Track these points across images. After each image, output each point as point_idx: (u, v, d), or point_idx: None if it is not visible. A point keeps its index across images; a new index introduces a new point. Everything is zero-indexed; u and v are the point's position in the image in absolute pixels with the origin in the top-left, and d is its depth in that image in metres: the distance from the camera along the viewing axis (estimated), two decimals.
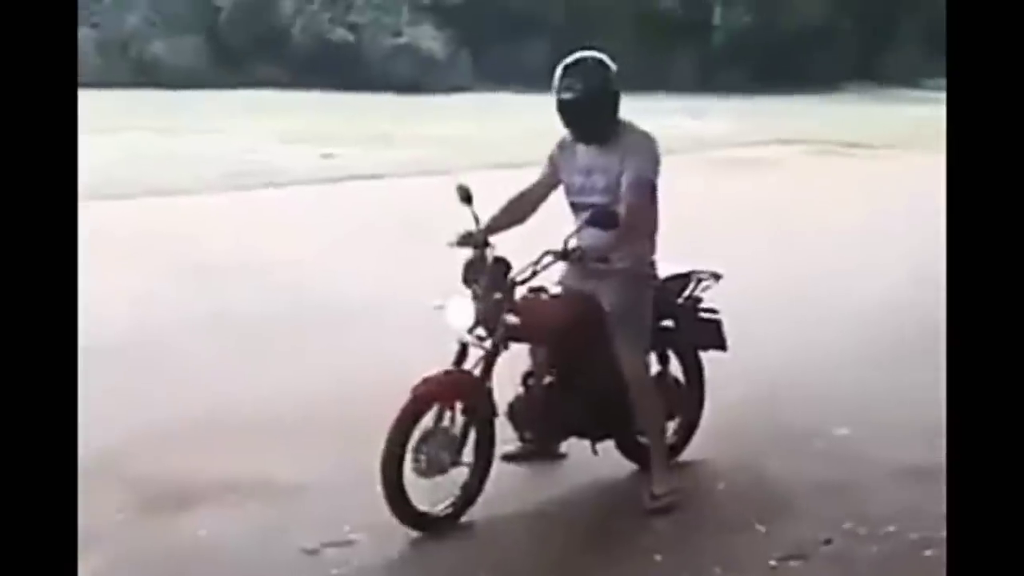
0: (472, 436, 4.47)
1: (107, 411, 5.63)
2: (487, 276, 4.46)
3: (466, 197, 4.58)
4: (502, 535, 4.48)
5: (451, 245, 4.56)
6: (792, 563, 4.18)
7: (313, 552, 4.23)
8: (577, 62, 4.63)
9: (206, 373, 6.30)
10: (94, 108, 22.13)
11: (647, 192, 4.58)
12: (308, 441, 5.27)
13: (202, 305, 7.69)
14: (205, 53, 30.72)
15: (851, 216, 11.43)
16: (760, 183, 14.30)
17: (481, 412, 4.47)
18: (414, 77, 29.37)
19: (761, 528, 4.46)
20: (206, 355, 6.63)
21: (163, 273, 8.61)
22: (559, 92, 4.58)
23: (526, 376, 4.79)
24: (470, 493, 4.49)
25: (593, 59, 4.67)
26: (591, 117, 4.61)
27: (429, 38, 30.88)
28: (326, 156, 15.89)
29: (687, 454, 5.10)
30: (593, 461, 4.90)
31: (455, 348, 4.50)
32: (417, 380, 4.37)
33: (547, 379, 4.75)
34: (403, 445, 4.30)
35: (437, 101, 26.05)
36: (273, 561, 4.19)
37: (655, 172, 4.61)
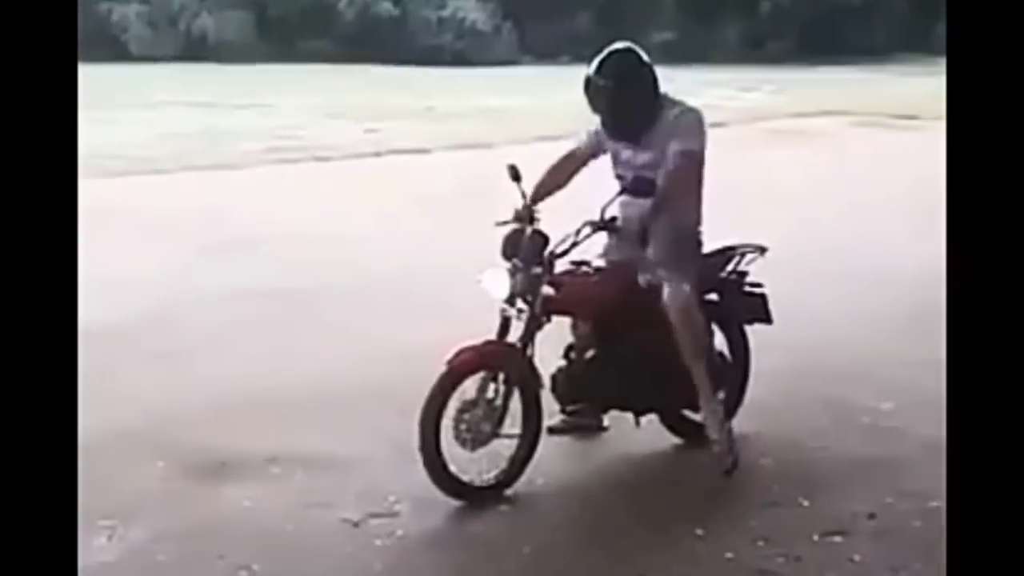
0: (519, 408, 4.48)
1: (151, 382, 5.72)
2: (525, 249, 4.47)
3: (515, 176, 4.60)
4: (544, 508, 4.49)
5: (498, 224, 4.59)
6: (836, 538, 4.16)
7: (357, 523, 4.27)
8: (602, 65, 4.60)
9: (249, 345, 6.36)
10: (143, 82, 22.43)
11: (689, 162, 4.59)
12: (352, 413, 5.30)
13: (246, 277, 7.74)
14: (253, 27, 30.86)
15: (899, 187, 11.29)
16: (807, 154, 14.16)
17: (525, 383, 4.47)
18: (459, 50, 29.37)
19: (804, 502, 4.44)
20: (249, 327, 6.68)
21: (208, 246, 8.68)
22: (590, 100, 4.61)
23: (568, 349, 4.80)
24: (518, 464, 4.50)
25: (618, 57, 4.63)
26: (627, 119, 4.63)
27: (474, 11, 30.82)
28: (370, 130, 15.93)
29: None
30: (635, 435, 4.91)
31: (497, 320, 4.50)
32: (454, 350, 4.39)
33: (590, 352, 4.74)
34: (439, 414, 4.33)
35: (482, 74, 26.00)
36: (317, 531, 4.22)
37: (700, 144, 4.61)
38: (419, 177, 12.42)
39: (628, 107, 4.61)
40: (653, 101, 4.62)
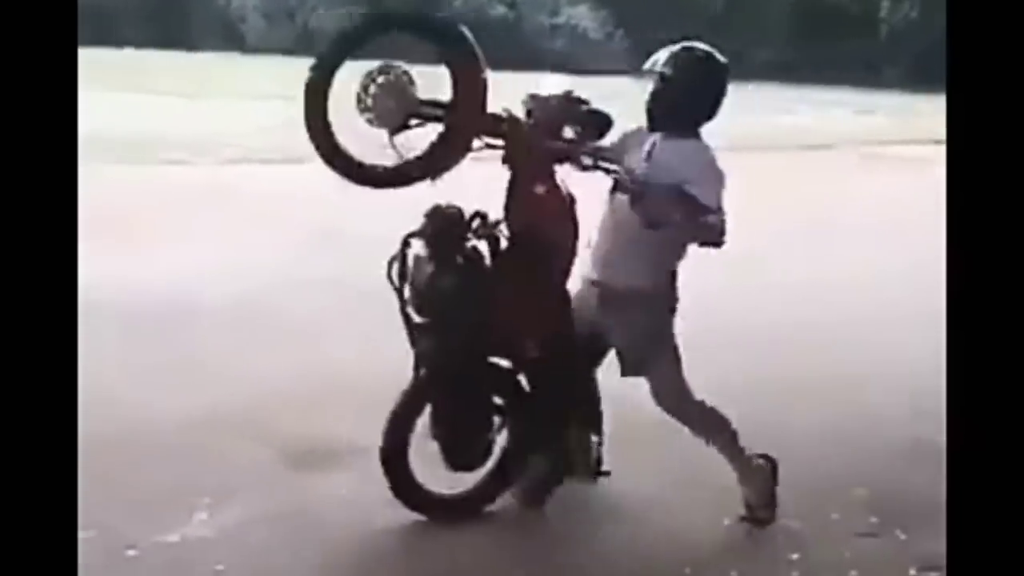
0: None
1: (250, 366, 5.79)
2: None
3: None
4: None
5: None
6: (933, 573, 4.06)
7: None
8: (675, 52, 4.34)
9: (347, 333, 6.40)
10: (258, 72, 22.79)
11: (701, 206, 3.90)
12: None
13: (346, 267, 7.78)
14: None
15: None
16: (910, 182, 13.85)
17: None
18: (569, 57, 29.40)
19: (902, 535, 4.35)
20: (348, 315, 6.71)
21: (312, 235, 8.81)
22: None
23: None
24: None
25: (691, 50, 4.36)
26: (666, 110, 4.27)
27: (586, 18, 30.85)
28: None
29: (827, 459, 4.98)
30: None
31: None
32: None
33: None
34: None
35: (590, 82, 25.95)
36: (409, 521, 4.26)
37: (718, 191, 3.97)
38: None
39: (678, 103, 4.23)
40: (702, 116, 4.20)
